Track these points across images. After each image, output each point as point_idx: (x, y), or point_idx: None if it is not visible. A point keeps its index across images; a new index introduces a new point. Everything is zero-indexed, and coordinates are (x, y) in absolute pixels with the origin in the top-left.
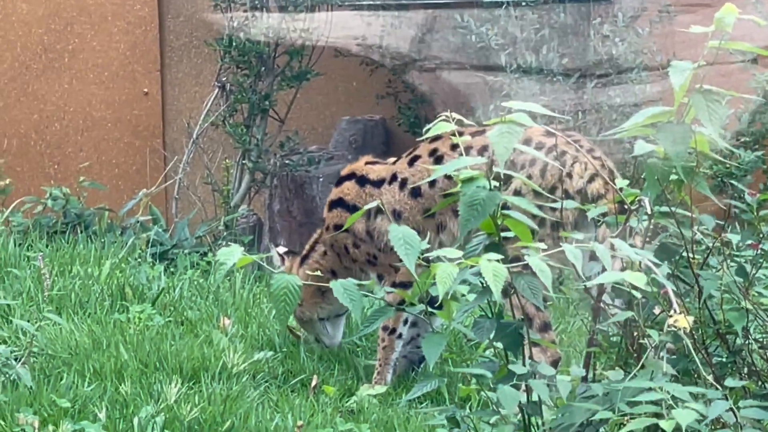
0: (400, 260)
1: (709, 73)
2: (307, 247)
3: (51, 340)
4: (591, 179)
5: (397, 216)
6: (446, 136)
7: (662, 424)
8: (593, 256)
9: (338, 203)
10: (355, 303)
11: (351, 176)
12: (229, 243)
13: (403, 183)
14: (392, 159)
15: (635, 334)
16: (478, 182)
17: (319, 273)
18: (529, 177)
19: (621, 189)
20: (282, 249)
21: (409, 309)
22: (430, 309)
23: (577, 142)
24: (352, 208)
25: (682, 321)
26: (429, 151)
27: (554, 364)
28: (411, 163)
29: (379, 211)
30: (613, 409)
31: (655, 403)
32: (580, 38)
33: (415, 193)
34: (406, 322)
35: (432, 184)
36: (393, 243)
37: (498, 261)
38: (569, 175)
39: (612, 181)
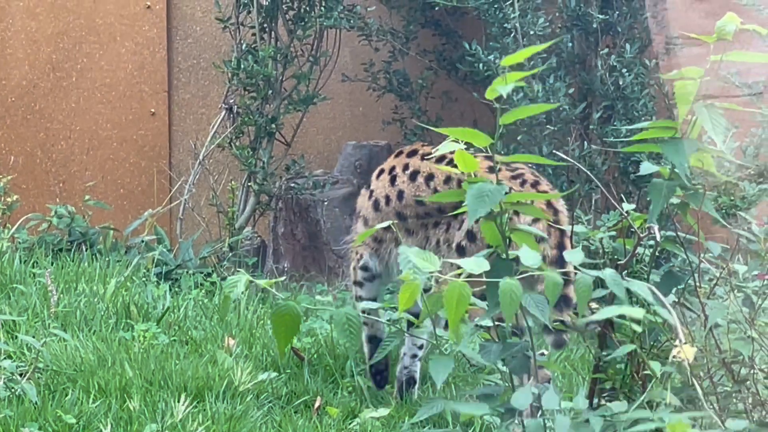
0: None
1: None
2: None
3: (56, 356)
4: (536, 220)
5: (365, 221)
6: (421, 148)
7: None
8: None
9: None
10: (353, 338)
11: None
12: (233, 264)
13: (371, 194)
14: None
15: (639, 362)
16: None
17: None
18: None
19: (627, 213)
20: None
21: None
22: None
23: (521, 176)
24: None
25: (686, 351)
26: (403, 165)
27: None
28: (378, 175)
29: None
30: None
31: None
32: (587, 68)
33: (376, 206)
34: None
35: (387, 202)
36: (401, 264)
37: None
38: (516, 213)
39: (556, 217)
